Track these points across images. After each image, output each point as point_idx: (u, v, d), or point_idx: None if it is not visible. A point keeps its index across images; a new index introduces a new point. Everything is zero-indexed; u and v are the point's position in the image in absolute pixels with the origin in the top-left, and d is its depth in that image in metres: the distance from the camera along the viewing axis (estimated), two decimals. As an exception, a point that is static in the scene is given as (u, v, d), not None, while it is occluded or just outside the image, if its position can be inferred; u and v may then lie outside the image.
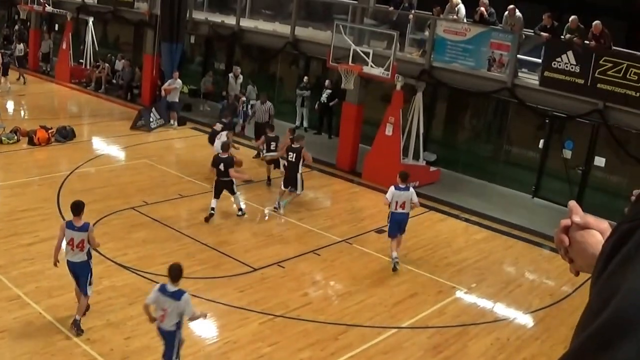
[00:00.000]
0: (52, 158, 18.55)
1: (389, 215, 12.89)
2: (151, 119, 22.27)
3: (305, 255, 13.51)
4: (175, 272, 8.67)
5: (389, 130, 17.74)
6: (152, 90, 24.81)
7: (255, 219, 15.66)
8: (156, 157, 19.19)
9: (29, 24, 33.03)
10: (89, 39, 28.82)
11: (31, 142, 19.73)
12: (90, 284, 10.14)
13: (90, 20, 28.54)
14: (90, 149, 20.20)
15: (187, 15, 23.92)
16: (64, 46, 29.04)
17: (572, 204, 1.79)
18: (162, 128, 22.40)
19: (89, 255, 10.11)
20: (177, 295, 8.54)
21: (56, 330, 10.01)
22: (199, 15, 24.69)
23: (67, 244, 10.00)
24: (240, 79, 22.86)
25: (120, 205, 15.07)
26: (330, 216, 15.93)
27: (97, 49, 29.06)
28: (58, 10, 29.76)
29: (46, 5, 29.70)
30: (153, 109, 22.86)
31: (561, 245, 1.74)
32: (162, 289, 8.63)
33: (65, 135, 20.48)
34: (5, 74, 27.06)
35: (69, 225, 10.03)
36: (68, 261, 10.07)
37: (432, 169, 18.77)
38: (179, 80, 22.92)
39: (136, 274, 11.97)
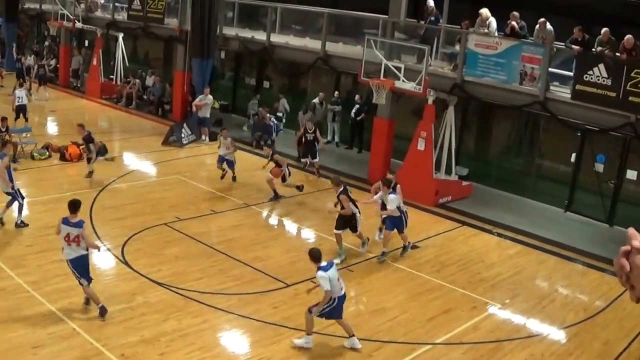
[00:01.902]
0: (84, 174, 18.93)
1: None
2: (183, 135, 22.76)
3: (338, 271, 13.65)
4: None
5: (421, 145, 18.00)
6: (183, 105, 25.39)
7: (286, 235, 15.95)
8: (188, 172, 19.60)
9: (58, 40, 33.83)
10: (119, 54, 29.47)
11: (63, 157, 20.34)
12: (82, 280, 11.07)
13: (120, 36, 29.18)
14: (121, 165, 20.69)
15: (218, 30, 24.42)
16: (95, 62, 29.82)
17: (631, 230, 1.75)
18: (194, 144, 22.86)
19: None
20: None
21: (90, 346, 10.32)
22: (229, 31, 25.24)
23: (64, 239, 10.91)
24: (323, 104, 23.12)
25: (152, 221, 15.43)
26: (363, 231, 16.00)
27: (127, 64, 29.67)
28: (88, 26, 30.52)
29: (76, 21, 30.43)
30: (184, 125, 23.36)
31: (622, 271, 1.69)
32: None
33: (98, 151, 20.97)
34: (42, 84, 28.05)
35: (65, 221, 10.93)
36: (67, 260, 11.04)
37: (464, 183, 18.99)
38: (209, 96, 23.42)
39: (170, 290, 12.27)
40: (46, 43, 36.10)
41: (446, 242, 15.78)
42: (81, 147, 20.54)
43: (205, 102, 23.13)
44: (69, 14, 30.79)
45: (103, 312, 11.04)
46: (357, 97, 21.93)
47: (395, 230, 14.11)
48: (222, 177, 18.71)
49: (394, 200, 13.85)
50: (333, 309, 10.46)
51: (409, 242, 14.46)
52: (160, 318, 11.15)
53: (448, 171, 18.58)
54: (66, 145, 20.71)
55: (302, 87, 25.42)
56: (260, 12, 24.67)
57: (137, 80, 28.50)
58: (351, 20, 21.62)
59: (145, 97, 28.13)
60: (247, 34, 24.58)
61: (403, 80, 17.46)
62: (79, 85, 31.74)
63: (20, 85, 24.55)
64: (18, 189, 14.86)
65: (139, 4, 28.05)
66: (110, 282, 12.36)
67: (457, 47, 18.41)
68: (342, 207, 13.84)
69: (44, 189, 17.68)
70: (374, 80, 17.94)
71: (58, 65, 33.02)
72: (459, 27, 18.64)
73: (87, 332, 10.70)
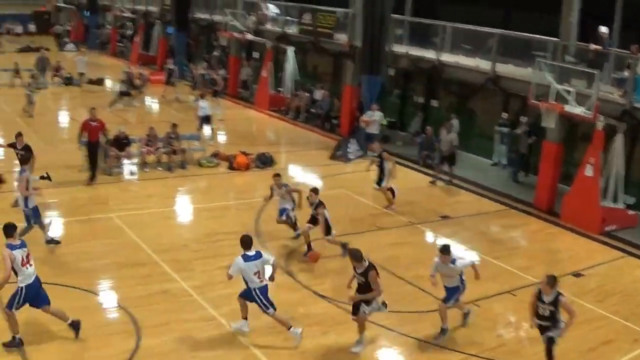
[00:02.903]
0: (251, 183, 20.66)
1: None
2: (349, 150, 24.67)
3: (501, 295, 14.35)
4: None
5: (588, 171, 18.80)
6: (351, 121, 27.31)
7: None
8: (354, 188, 21.04)
9: (228, 50, 37.05)
10: (289, 67, 31.92)
11: (231, 166, 22.68)
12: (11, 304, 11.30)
13: (291, 49, 31.60)
14: (287, 177, 22.27)
15: (387, 48, 26.28)
16: (264, 74, 32.52)
17: None
18: (360, 159, 24.25)
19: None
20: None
21: (249, 352, 11.62)
22: (398, 49, 27.01)
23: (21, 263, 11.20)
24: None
25: (315, 234, 16.25)
26: (527, 256, 16.77)
27: (298, 78, 32.05)
28: (258, 38, 33.24)
29: (246, 33, 33.25)
30: (352, 140, 25.38)
31: None
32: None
33: (265, 161, 23.33)
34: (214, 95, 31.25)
35: (10, 246, 11.22)
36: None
37: (631, 212, 19.44)
38: (378, 112, 25.28)
39: (331, 303, 13.50)
40: (215, 53, 39.38)
41: (610, 271, 16.27)
42: (249, 157, 22.69)
43: (374, 119, 25.04)
44: (239, 26, 33.73)
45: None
46: (523, 119, 22.92)
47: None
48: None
49: (461, 268, 12.44)
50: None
51: (467, 310, 13.09)
52: (321, 330, 12.14)
53: (614, 199, 19.16)
54: (234, 155, 23.09)
55: (469, 107, 26.73)
56: (430, 30, 26.20)
57: (306, 94, 30.84)
58: (521, 42, 22.57)
59: (313, 110, 30.47)
60: (416, 52, 26.27)
61: (573, 105, 18.43)
62: (247, 96, 34.63)
63: (202, 96, 27.47)
64: (35, 209, 15.38)
65: (310, 18, 30.39)
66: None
67: (627, 73, 19.08)
68: (368, 288, 11.61)
69: (210, 196, 19.62)
70: (544, 104, 19.09)
71: (227, 76, 36.05)
72: (629, 52, 19.28)
73: (247, 337, 12.02)
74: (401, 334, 12.39)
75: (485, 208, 20.28)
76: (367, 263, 11.48)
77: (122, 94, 31.93)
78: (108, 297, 13.62)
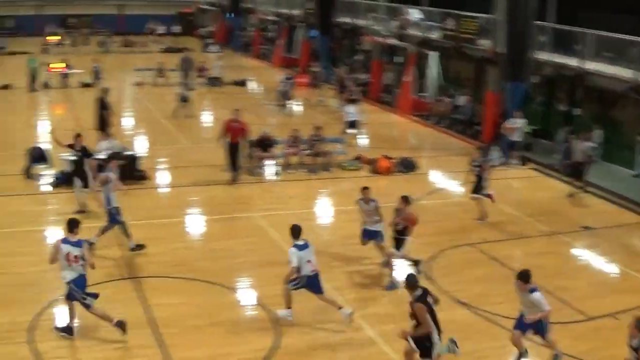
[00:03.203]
0: (392, 188, 20.97)
1: None
2: (492, 157, 25.07)
3: None
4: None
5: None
6: (494, 127, 27.64)
7: (591, 267, 16.94)
8: (495, 195, 20.75)
9: (371, 54, 38.18)
10: (431, 72, 32.72)
11: (373, 170, 23.59)
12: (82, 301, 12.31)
13: (433, 54, 32.34)
14: (428, 182, 23.38)
15: (530, 54, 26.71)
16: (407, 78, 33.36)
17: None
18: (503, 167, 24.62)
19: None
20: None
21: (385, 357, 12.04)
22: (542, 56, 27.21)
23: (64, 258, 12.09)
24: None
25: (456, 240, 17.37)
26: None
27: (442, 82, 32.70)
28: (400, 43, 34.18)
29: (389, 38, 34.22)
30: (494, 147, 25.86)
31: None
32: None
33: (407, 166, 24.20)
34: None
35: (65, 240, 12.22)
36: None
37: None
38: (522, 120, 25.69)
39: (471, 310, 13.92)
40: (357, 57, 40.55)
41: None
42: (391, 161, 23.39)
43: (517, 126, 25.45)
44: (382, 30, 34.76)
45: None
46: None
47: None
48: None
49: (539, 300, 11.49)
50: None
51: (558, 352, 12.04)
52: (459, 337, 11.88)
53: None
54: (376, 158, 23.99)
55: (611, 116, 26.55)
56: (573, 37, 26.28)
57: (448, 99, 31.48)
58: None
59: (455, 116, 31.10)
60: (560, 59, 26.43)
61: None
62: (389, 100, 35.65)
63: (350, 101, 28.80)
64: (115, 210, 16.11)
65: (453, 24, 31.07)
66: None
67: None
68: (417, 322, 10.71)
69: (351, 199, 19.17)
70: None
71: (369, 80, 37.13)
72: None
73: (384, 342, 12.45)
74: (542, 344, 12.19)
75: (627, 220, 20.35)
76: (419, 292, 10.65)
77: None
78: (247, 295, 14.69)
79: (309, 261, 12.83)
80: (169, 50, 52.79)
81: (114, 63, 45.54)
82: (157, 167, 23.19)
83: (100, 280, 14.18)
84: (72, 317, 12.57)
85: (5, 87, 37.98)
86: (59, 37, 55.43)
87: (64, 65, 39.95)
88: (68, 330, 12.54)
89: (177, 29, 66.34)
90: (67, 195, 19.80)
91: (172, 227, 18.26)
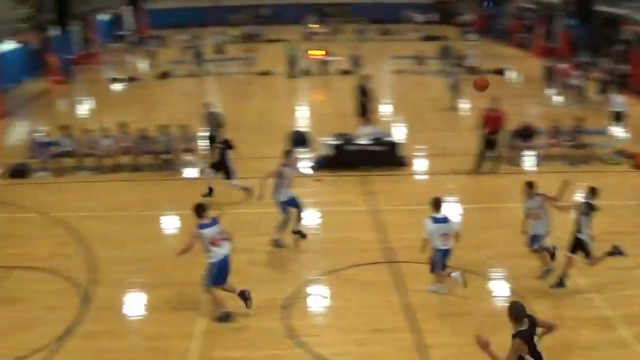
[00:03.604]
0: None
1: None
2: None
3: None
4: None
5: None
6: None
7: None
8: None
9: (632, 44, 36.27)
10: None
11: (635, 165, 22.44)
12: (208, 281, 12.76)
13: None
14: None
15: None
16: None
17: None
18: None
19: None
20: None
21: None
22: None
23: (209, 243, 12.56)
24: None
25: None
26: None
27: None
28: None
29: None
30: None
31: None
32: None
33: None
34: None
35: (201, 226, 12.60)
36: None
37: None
38: None
39: None
40: (617, 47, 38.67)
41: None
42: None
43: None
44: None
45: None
46: None
47: None
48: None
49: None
50: None
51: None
52: None
53: None
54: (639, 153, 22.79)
55: None
56: None
57: None
58: None
59: None
60: None
61: None
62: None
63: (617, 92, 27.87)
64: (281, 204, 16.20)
65: None
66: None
67: None
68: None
69: (610, 194, 18.35)
70: None
71: (629, 71, 35.27)
72: None
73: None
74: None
75: None
76: (524, 326, 9.03)
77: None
78: (501, 285, 14.59)
79: (443, 235, 13.26)
80: (427, 39, 53.34)
81: (372, 51, 46.65)
82: (415, 154, 23.59)
83: (358, 263, 14.81)
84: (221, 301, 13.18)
85: (266, 73, 40.31)
86: (318, 25, 57.74)
87: (323, 52, 41.67)
88: (224, 317, 13.09)
89: (434, 17, 66.74)
90: (328, 179, 20.65)
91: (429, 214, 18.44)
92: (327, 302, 13.95)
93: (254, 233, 16.96)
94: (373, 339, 12.49)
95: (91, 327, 13.11)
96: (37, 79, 41.46)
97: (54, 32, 42.22)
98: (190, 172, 22.52)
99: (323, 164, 21.94)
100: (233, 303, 13.24)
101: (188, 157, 23.23)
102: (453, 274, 13.65)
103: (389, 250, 16.02)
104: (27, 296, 14.34)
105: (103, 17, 55.26)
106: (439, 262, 13.56)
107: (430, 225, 13.30)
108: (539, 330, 9.21)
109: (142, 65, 45.53)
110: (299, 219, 16.60)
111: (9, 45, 38.00)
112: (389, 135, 23.34)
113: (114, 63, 47.50)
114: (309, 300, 14.02)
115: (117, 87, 39.60)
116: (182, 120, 24.30)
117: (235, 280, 13.66)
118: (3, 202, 20.25)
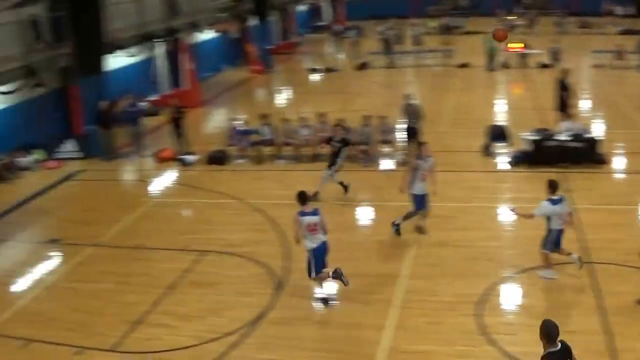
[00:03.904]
0: None
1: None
2: None
3: None
4: None
5: None
6: None
7: None
8: None
9: None
10: None
11: None
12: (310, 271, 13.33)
13: None
14: None
15: None
16: None
17: None
18: None
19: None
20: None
21: None
22: None
23: (306, 229, 13.03)
24: None
25: None
26: None
27: None
28: None
29: None
30: None
31: None
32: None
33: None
34: None
35: (302, 213, 13.04)
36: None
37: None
38: None
39: None
40: None
41: None
42: None
43: None
44: None
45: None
46: None
47: None
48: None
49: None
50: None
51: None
52: None
53: None
54: None
55: None
56: None
57: None
58: None
59: None
60: None
61: None
62: None
63: None
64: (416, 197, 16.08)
65: None
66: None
67: None
68: None
69: None
70: None
71: None
72: None
73: None
74: None
75: None
76: (556, 347, 8.37)
77: None
78: None
79: (558, 215, 13.59)
80: (626, 32, 50.70)
81: (571, 44, 44.85)
82: (615, 151, 22.51)
83: (553, 262, 14.33)
84: (322, 285, 13.67)
85: (464, 65, 39.77)
86: (515, 17, 56.28)
87: (522, 45, 40.59)
88: (324, 302, 13.53)
89: (632, 10, 63.24)
90: (526, 174, 20.27)
91: (629, 214, 17.66)
92: (520, 301, 13.69)
93: (449, 227, 16.91)
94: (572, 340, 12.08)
95: (282, 314, 13.46)
96: (236, 68, 43.29)
97: (253, 22, 43.73)
98: (388, 164, 22.63)
99: (521, 160, 21.42)
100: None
101: (386, 149, 23.35)
102: (573, 256, 13.89)
103: (586, 250, 15.34)
104: (221, 280, 14.97)
105: (301, 7, 56.48)
106: (555, 241, 13.79)
107: (548, 207, 13.59)
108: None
109: (341, 55, 46.16)
110: (424, 216, 16.54)
111: (209, 35, 39.62)
112: (588, 131, 22.36)
113: (312, 53, 48.53)
114: (503, 297, 13.79)
115: (315, 77, 40.41)
116: (380, 112, 24.44)
117: (433, 273, 14.16)
118: (201, 187, 21.27)
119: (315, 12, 59.86)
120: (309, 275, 13.51)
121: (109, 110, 25.42)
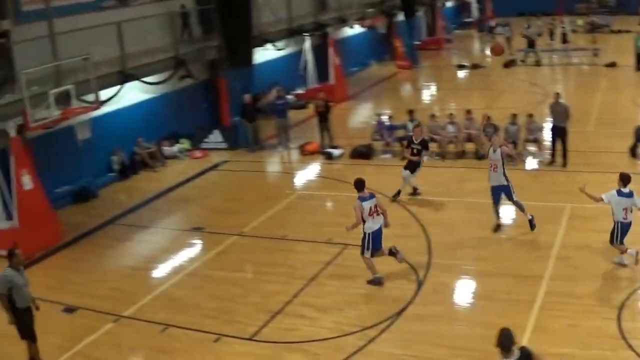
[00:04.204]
0: None
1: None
2: None
3: None
4: None
5: None
6: None
7: None
8: None
9: None
10: None
11: None
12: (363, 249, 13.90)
13: None
14: None
15: None
16: None
17: None
18: None
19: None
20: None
21: None
22: None
23: (368, 213, 13.59)
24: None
25: None
26: None
27: None
28: None
29: None
30: None
31: None
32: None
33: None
34: None
35: (361, 198, 13.69)
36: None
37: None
38: None
39: None
40: None
41: None
42: None
43: None
44: None
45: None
46: None
47: None
48: None
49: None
50: None
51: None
52: None
53: None
54: None
55: None
56: None
57: None
58: None
59: None
60: None
61: None
62: None
63: None
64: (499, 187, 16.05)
65: None
66: None
67: None
68: None
69: None
70: None
71: None
72: None
73: None
74: None
75: None
76: (512, 358, 8.24)
77: None
78: None
79: (625, 209, 13.53)
80: None
81: None
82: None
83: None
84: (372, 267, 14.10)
85: (612, 64, 37.68)
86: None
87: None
88: (376, 281, 14.09)
89: None
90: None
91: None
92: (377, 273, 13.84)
93: (591, 229, 16.04)
94: None
95: (422, 310, 13.11)
96: (382, 64, 42.96)
97: (400, 17, 43.27)
98: (533, 163, 21.69)
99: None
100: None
101: (532, 148, 22.42)
102: (629, 250, 13.80)
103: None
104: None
105: (449, 3, 55.68)
106: (621, 234, 13.72)
107: (614, 197, 13.64)
108: None
109: (487, 52, 45.11)
110: (521, 209, 16.37)
111: (356, 30, 39.47)
112: None
113: (459, 50, 47.66)
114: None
115: (461, 73, 39.55)
116: (527, 110, 23.57)
117: (574, 275, 13.84)
118: (345, 181, 20.93)
119: (462, 8, 58.81)
120: (362, 253, 14.00)
121: (253, 102, 25.49)
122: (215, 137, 25.85)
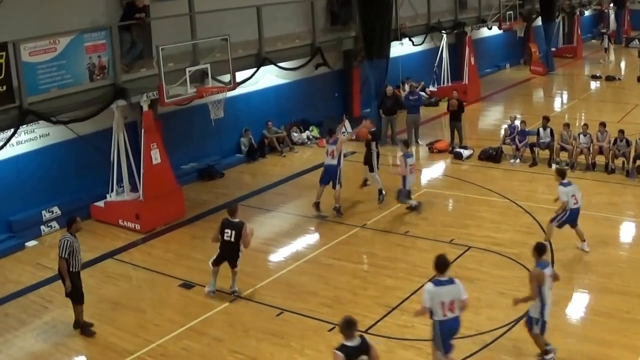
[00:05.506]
0: None
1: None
2: None
3: None
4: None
5: None
6: None
7: None
8: None
9: None
10: None
11: None
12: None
13: None
14: None
15: None
16: None
17: None
18: None
19: None
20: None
21: None
22: None
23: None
24: None
25: None
26: None
27: None
28: None
29: None
30: None
31: None
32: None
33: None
34: None
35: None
36: None
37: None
38: None
39: None
40: None
41: None
42: None
43: None
44: None
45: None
46: None
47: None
48: None
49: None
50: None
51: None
52: None
53: None
54: None
55: None
56: None
57: None
58: None
59: None
60: None
61: None
62: None
63: None
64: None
65: None
66: None
67: None
68: None
69: None
70: None
71: None
72: None
73: None
74: None
75: None
76: (352, 343, 8.58)
77: None
78: None
79: (573, 196, 14.88)
80: None
81: None
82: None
83: None
84: None
85: None
86: None
87: None
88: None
89: None
90: None
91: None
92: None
93: None
94: None
95: None
96: (517, 67, 41.90)
97: (538, 22, 42.09)
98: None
99: None
100: None
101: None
102: None
103: None
104: (482, 277, 14.20)
105: (587, 12, 53.81)
106: None
107: (563, 190, 14.94)
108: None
109: (623, 65, 43.21)
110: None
111: (493, 31, 38.56)
112: None
113: (594, 60, 45.93)
114: None
115: (594, 84, 37.96)
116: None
117: None
118: (472, 182, 20.40)
119: (601, 18, 56.64)
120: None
121: (391, 96, 25.09)
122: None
